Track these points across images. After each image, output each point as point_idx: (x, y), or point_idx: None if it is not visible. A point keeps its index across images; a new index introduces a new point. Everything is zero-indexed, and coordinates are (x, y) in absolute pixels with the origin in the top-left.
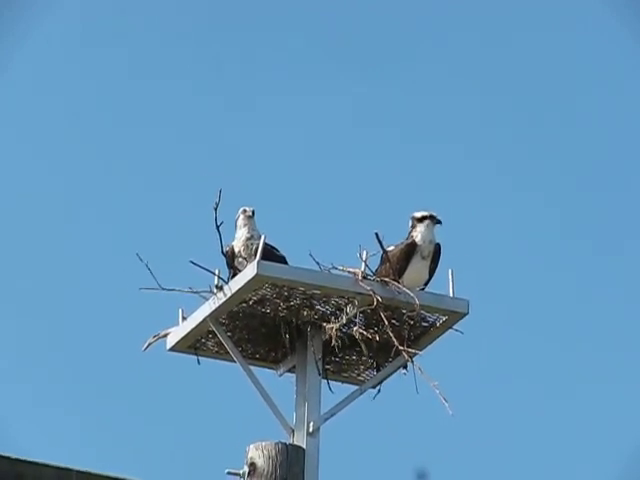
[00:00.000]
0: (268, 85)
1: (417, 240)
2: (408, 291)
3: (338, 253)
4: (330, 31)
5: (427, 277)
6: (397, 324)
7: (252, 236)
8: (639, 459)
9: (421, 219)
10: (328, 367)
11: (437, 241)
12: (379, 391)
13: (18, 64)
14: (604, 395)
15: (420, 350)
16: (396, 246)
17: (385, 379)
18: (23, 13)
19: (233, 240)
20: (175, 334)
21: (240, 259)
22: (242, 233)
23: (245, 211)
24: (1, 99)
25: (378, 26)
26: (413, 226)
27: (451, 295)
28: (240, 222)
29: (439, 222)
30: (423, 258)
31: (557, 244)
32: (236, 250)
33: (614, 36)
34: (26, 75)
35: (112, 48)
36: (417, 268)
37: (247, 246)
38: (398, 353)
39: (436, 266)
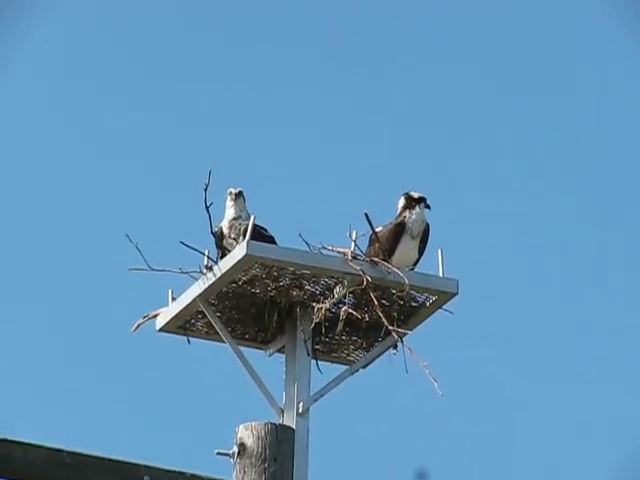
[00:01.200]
0: (259, 72)
1: (407, 220)
2: (398, 271)
3: (328, 233)
4: (327, 27)
5: (417, 257)
6: (387, 304)
7: (239, 216)
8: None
9: (418, 200)
10: (318, 347)
11: (426, 221)
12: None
13: (18, 64)
14: (596, 375)
15: (410, 330)
16: (385, 226)
17: (375, 359)
18: (23, 13)
19: (222, 221)
20: (165, 315)
21: (229, 240)
22: (229, 214)
23: (230, 192)
24: (1, 99)
25: (375, 24)
26: (407, 206)
27: (441, 275)
28: (227, 203)
29: (428, 207)
30: (412, 238)
31: (548, 224)
32: (225, 230)
33: (614, 36)
34: (26, 75)
35: (112, 47)
36: (407, 248)
37: (234, 226)
38: (388, 333)
39: (425, 246)
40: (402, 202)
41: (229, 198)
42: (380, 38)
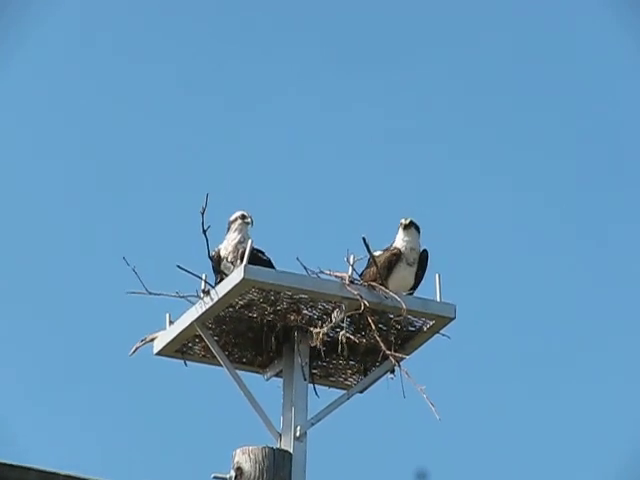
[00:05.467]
0: (257, 89)
1: (400, 247)
2: (395, 296)
3: (325, 257)
4: (328, 33)
5: (412, 283)
6: (384, 328)
7: (244, 240)
8: (637, 459)
9: (410, 226)
10: (315, 372)
11: (423, 247)
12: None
13: (18, 64)
14: (592, 396)
15: (407, 354)
16: (383, 251)
17: (372, 384)
18: (23, 13)
19: (221, 243)
20: (162, 338)
21: (227, 263)
22: (234, 237)
23: (244, 217)
24: (1, 99)
25: (374, 27)
26: (403, 233)
27: (438, 300)
28: (236, 226)
29: (417, 229)
30: (409, 265)
31: (544, 248)
32: (223, 254)
33: (614, 36)
34: (26, 75)
35: (112, 48)
36: (403, 275)
37: (237, 249)
38: (385, 357)
39: (424, 272)
40: (398, 229)
41: (240, 222)
42: (377, 39)
